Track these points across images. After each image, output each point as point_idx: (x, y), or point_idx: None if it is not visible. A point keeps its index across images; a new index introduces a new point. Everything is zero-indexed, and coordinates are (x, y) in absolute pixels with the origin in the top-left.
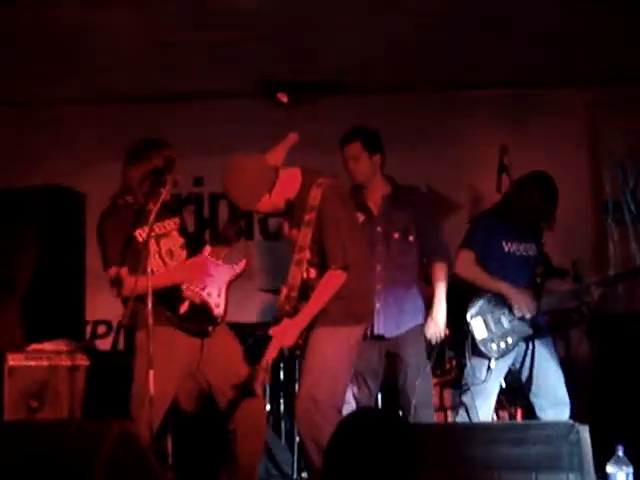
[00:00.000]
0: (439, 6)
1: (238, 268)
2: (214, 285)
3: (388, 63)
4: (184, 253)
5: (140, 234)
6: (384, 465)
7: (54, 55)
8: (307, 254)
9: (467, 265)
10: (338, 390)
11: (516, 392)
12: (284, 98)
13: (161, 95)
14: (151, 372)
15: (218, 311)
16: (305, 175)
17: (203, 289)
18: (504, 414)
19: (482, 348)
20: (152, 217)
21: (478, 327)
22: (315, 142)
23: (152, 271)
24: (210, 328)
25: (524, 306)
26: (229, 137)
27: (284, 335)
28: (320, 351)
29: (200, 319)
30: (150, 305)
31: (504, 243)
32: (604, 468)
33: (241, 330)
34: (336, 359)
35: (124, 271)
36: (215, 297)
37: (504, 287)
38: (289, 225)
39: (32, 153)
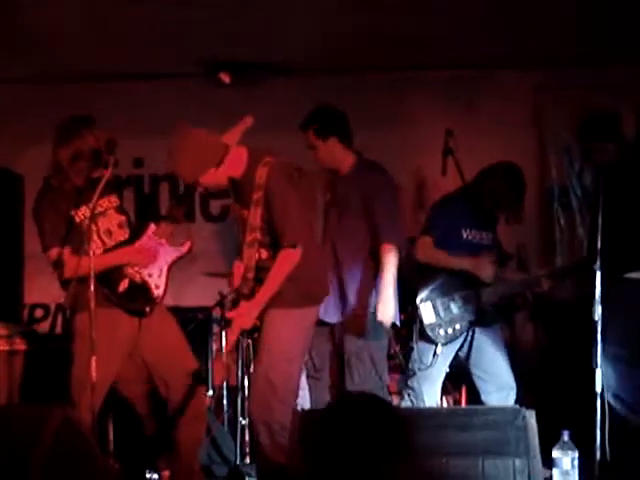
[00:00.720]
0: None
1: (182, 250)
2: (156, 265)
3: (333, 45)
4: (124, 232)
5: (77, 214)
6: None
7: None
8: (258, 234)
9: (426, 250)
10: (293, 372)
11: (460, 377)
12: (227, 79)
13: (100, 75)
14: (93, 358)
15: (157, 292)
16: (251, 154)
17: (144, 268)
18: (449, 399)
19: (429, 333)
20: (95, 198)
21: (427, 312)
22: (259, 124)
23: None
24: (147, 308)
25: (490, 273)
26: (170, 118)
27: (243, 318)
28: (275, 333)
29: (138, 298)
30: (92, 287)
31: (463, 231)
32: (550, 453)
33: (182, 314)
34: (291, 341)
35: (67, 252)
36: (156, 277)
37: (467, 262)
38: (238, 206)
39: None
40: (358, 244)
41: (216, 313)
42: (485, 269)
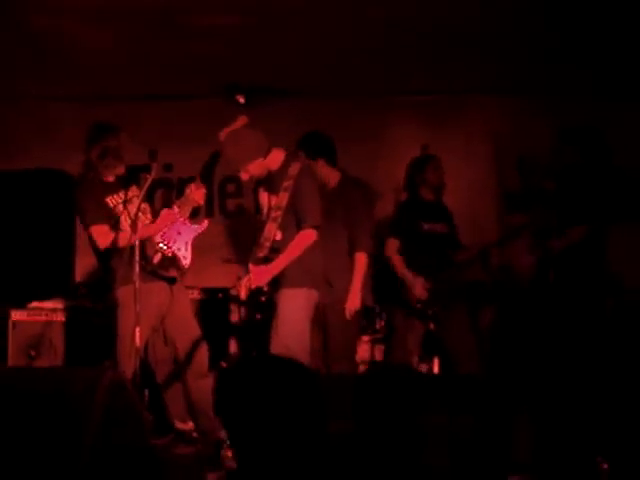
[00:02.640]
0: (376, 26)
1: (201, 227)
2: (182, 241)
3: (330, 72)
4: (148, 217)
5: (111, 200)
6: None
7: (39, 58)
8: (280, 213)
9: (391, 252)
10: (305, 339)
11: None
12: (241, 99)
13: (139, 95)
14: (137, 328)
15: (185, 262)
16: (288, 154)
17: (174, 244)
18: (424, 366)
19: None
20: (141, 196)
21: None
22: (269, 137)
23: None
24: (179, 275)
25: (421, 293)
26: (195, 132)
27: (259, 276)
28: (288, 309)
29: (171, 267)
30: (137, 268)
31: (424, 223)
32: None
33: (205, 293)
34: (302, 315)
35: (107, 228)
36: (183, 251)
37: (409, 277)
38: (268, 193)
39: (23, 141)
40: (339, 246)
41: (233, 293)
42: (418, 288)
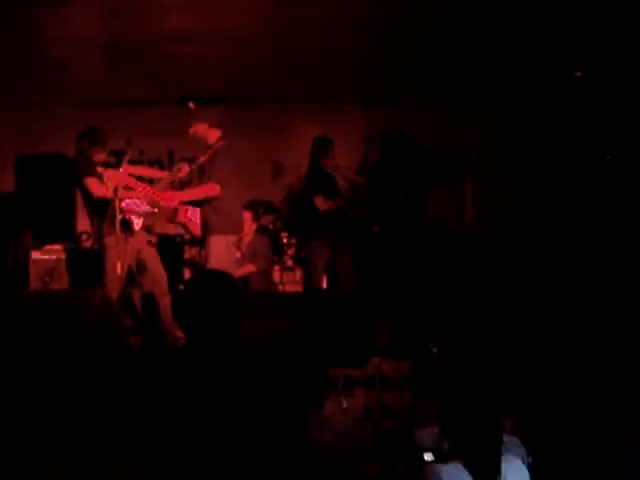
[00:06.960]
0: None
1: (152, 210)
2: (137, 213)
3: (252, 87)
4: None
5: (99, 169)
6: None
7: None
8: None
9: None
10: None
11: None
12: (192, 105)
13: (120, 101)
14: (119, 263)
15: (137, 227)
16: (221, 134)
17: (131, 212)
18: None
19: None
20: (123, 165)
21: None
22: None
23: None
24: (129, 233)
25: None
26: (159, 127)
27: (171, 198)
28: (217, 248)
29: (126, 227)
30: (117, 223)
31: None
32: None
33: (169, 238)
34: (228, 252)
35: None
36: (137, 220)
37: None
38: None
39: (38, 135)
40: None
41: (186, 238)
42: None
